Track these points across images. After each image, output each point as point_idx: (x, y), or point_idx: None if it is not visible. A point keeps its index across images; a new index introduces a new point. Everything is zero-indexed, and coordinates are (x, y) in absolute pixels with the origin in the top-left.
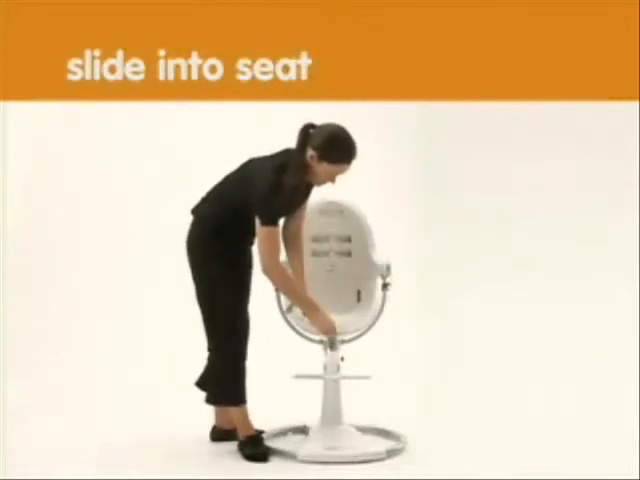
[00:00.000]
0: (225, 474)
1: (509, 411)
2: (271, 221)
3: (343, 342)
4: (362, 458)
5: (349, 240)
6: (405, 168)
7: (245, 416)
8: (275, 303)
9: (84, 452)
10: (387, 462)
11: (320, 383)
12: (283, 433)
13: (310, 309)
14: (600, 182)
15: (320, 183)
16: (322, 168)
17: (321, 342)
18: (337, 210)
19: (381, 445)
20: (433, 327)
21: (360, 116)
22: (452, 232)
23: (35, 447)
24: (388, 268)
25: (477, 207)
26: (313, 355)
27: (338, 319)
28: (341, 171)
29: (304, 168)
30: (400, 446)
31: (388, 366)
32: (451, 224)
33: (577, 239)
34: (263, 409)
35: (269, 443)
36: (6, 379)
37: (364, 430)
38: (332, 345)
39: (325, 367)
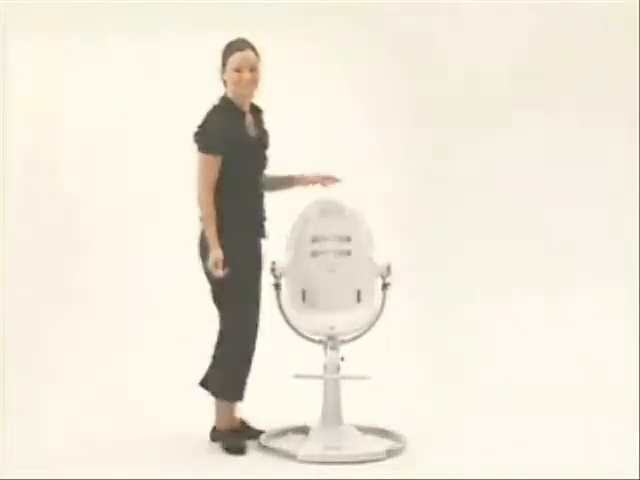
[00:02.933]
0: (225, 474)
1: (509, 411)
2: (206, 148)
3: (343, 342)
4: (362, 458)
5: (349, 240)
6: (405, 168)
7: (232, 411)
8: (275, 303)
9: (84, 452)
10: (387, 462)
11: (320, 383)
12: (283, 433)
13: (212, 245)
14: (599, 182)
15: (240, 90)
16: (228, 73)
17: (321, 342)
18: (337, 210)
19: (381, 445)
20: (433, 327)
21: (360, 116)
22: (452, 232)
23: (35, 447)
24: (388, 268)
25: (477, 207)
26: (313, 355)
27: (338, 319)
28: (242, 61)
29: (225, 96)
30: (400, 446)
31: (388, 366)
32: (451, 224)
33: (576, 239)
34: (263, 409)
35: (269, 443)
36: (6, 379)
37: (364, 430)
38: (332, 345)
39: (325, 367)
